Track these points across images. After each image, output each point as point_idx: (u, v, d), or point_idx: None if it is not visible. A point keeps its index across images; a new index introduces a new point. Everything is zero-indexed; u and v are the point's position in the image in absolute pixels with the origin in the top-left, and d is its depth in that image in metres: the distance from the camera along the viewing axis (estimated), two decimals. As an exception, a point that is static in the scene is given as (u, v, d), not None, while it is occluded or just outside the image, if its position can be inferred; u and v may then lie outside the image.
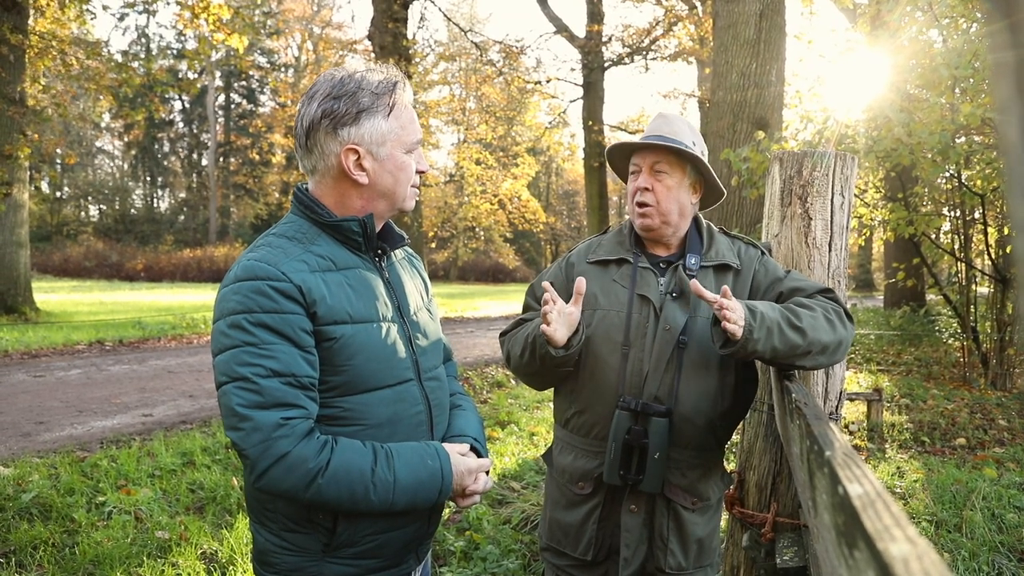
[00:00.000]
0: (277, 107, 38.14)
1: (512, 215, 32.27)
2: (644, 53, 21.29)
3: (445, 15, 21.27)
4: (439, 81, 29.67)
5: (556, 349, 1.69)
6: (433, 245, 39.26)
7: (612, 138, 24.93)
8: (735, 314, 1.54)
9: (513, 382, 8.11)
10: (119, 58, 16.03)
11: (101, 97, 15.08)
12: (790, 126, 7.81)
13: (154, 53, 35.97)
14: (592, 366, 1.80)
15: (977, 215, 8.38)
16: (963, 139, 6.94)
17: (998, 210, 8.17)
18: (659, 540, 1.80)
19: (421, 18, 24.25)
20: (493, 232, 39.70)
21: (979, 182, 7.45)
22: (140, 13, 37.66)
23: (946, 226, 9.12)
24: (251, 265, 1.30)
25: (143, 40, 39.69)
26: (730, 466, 3.67)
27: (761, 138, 6.14)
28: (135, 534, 3.47)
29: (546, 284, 1.70)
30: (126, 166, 43.99)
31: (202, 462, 4.63)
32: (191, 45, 31.55)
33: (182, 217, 43.72)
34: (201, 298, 19.68)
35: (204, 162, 42.85)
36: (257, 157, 41.03)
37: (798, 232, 2.13)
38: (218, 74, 40.05)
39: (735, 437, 3.68)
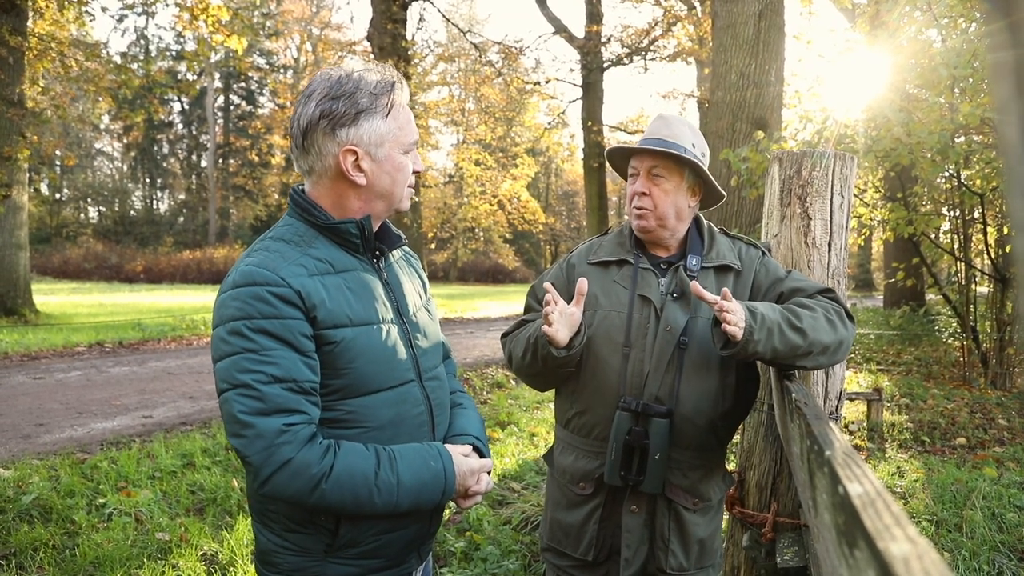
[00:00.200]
0: (276, 108, 38.17)
1: (511, 216, 32.27)
2: (643, 53, 21.30)
3: (444, 16, 21.28)
4: (438, 82, 29.74)
5: (558, 350, 1.69)
6: (433, 246, 39.27)
7: (611, 138, 24.94)
8: (735, 316, 1.54)
9: (513, 383, 8.11)
10: (118, 60, 16.05)
11: (100, 99, 15.09)
12: (789, 126, 7.81)
13: (153, 55, 36.00)
14: (593, 367, 1.80)
15: (976, 214, 8.39)
16: (962, 139, 6.95)
17: (997, 209, 8.18)
18: (660, 541, 1.80)
19: (420, 19, 24.23)
20: (492, 233, 39.70)
21: (978, 182, 7.46)
22: (139, 15, 37.67)
23: (945, 226, 9.12)
24: (249, 271, 1.30)
25: (142, 42, 39.70)
26: (730, 466, 3.67)
27: (760, 138, 6.14)
28: (135, 536, 3.47)
29: (548, 285, 1.70)
30: (125, 168, 44.00)
31: (202, 463, 4.63)
32: (190, 46, 31.55)
33: (181, 219, 43.72)
34: (201, 299, 19.67)
35: (203, 163, 42.86)
36: (256, 158, 41.03)
37: (797, 232, 2.13)
38: (217, 75, 40.06)
39: (735, 437, 3.68)
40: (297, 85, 35.18)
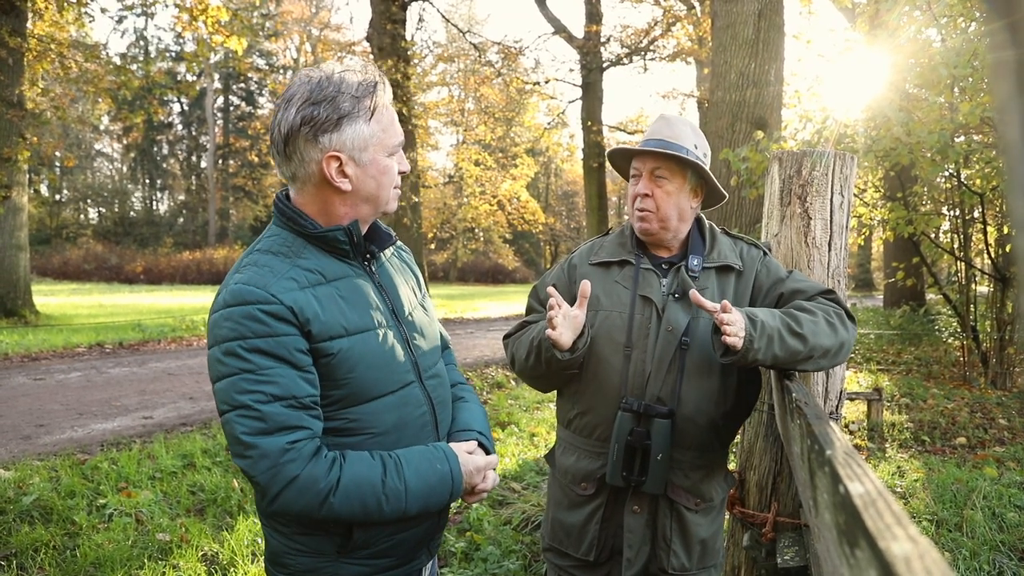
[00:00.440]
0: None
1: (511, 216, 32.25)
2: (643, 53, 21.30)
3: (443, 16, 21.29)
4: (438, 82, 29.74)
5: (562, 353, 1.69)
6: (432, 246, 39.26)
7: (611, 139, 24.94)
8: (734, 327, 1.54)
9: (513, 383, 8.11)
10: (118, 61, 16.05)
11: (100, 100, 15.08)
12: (789, 126, 7.81)
13: (153, 55, 36.00)
14: (595, 367, 1.80)
15: (976, 214, 8.39)
16: (962, 138, 6.95)
17: (997, 209, 8.18)
18: (662, 541, 1.80)
19: (419, 19, 24.28)
20: (492, 233, 39.69)
21: (978, 181, 7.46)
22: (138, 16, 37.68)
23: (945, 225, 9.12)
24: (239, 289, 1.27)
25: (141, 42, 39.69)
26: (730, 466, 3.67)
27: (760, 138, 6.14)
28: (136, 536, 3.47)
29: (551, 289, 1.70)
30: (125, 169, 44.00)
31: (202, 464, 4.63)
32: (190, 47, 31.58)
33: (181, 219, 43.72)
34: (201, 300, 19.67)
35: (203, 164, 42.87)
36: (256, 159, 41.03)
37: (797, 232, 2.13)
38: (217, 76, 40.07)
39: (736, 437, 3.68)
40: (297, 86, 35.11)
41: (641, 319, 1.79)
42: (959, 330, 8.94)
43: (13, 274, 12.12)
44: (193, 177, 43.58)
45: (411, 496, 1.33)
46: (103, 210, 43.65)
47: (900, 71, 6.49)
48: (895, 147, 5.77)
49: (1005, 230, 8.07)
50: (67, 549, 3.35)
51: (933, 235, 9.05)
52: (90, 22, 15.48)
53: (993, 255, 8.13)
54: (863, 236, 10.95)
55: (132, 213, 43.58)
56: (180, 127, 43.06)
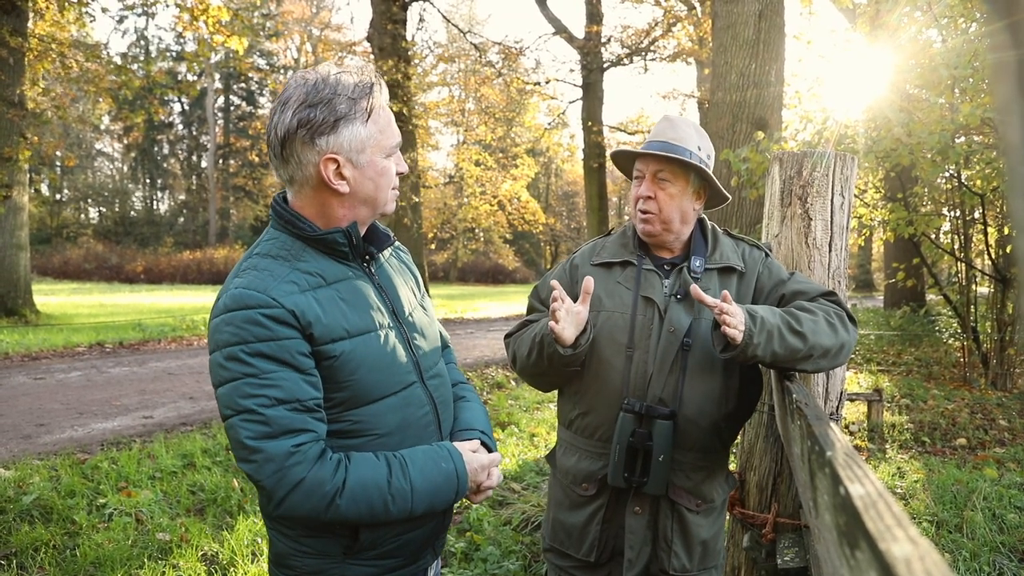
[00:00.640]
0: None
1: (512, 216, 32.25)
2: (643, 54, 21.32)
3: (444, 16, 21.31)
4: (438, 82, 29.75)
5: (564, 348, 1.69)
6: (433, 246, 39.25)
7: (611, 139, 24.94)
8: (735, 319, 1.54)
9: (513, 383, 8.11)
10: (118, 60, 16.06)
11: (100, 99, 15.09)
12: (789, 126, 7.81)
13: (153, 55, 36.01)
14: (596, 368, 1.80)
15: (977, 215, 8.38)
16: (963, 139, 6.94)
17: (998, 210, 8.17)
18: (663, 542, 1.80)
19: (420, 19, 24.26)
20: (493, 233, 39.70)
21: (979, 182, 7.45)
22: (139, 15, 37.70)
23: (946, 226, 9.12)
24: (239, 294, 1.27)
25: (142, 42, 39.72)
26: (731, 467, 3.67)
27: (760, 138, 6.14)
28: (136, 536, 3.47)
29: (554, 283, 1.70)
30: (126, 168, 44.02)
31: (202, 464, 4.63)
32: (190, 47, 31.59)
33: (182, 219, 43.73)
34: (201, 300, 19.67)
35: (203, 164, 42.88)
36: (257, 159, 41.03)
37: (798, 232, 2.13)
38: (217, 76, 40.08)
39: (737, 438, 3.68)
40: (297, 86, 35.13)
41: (643, 320, 1.79)
42: (959, 331, 8.94)
43: (14, 273, 12.13)
44: (193, 177, 43.58)
45: (417, 496, 1.33)
46: (104, 210, 43.67)
47: (901, 72, 6.49)
48: (896, 148, 5.77)
49: (1006, 231, 8.07)
50: (67, 548, 3.35)
51: (933, 236, 9.06)
52: (91, 22, 15.49)
53: (993, 256, 8.13)
54: (863, 237, 10.96)
55: (132, 213, 43.60)
56: (181, 127, 43.08)
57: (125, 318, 13.64)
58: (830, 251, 2.13)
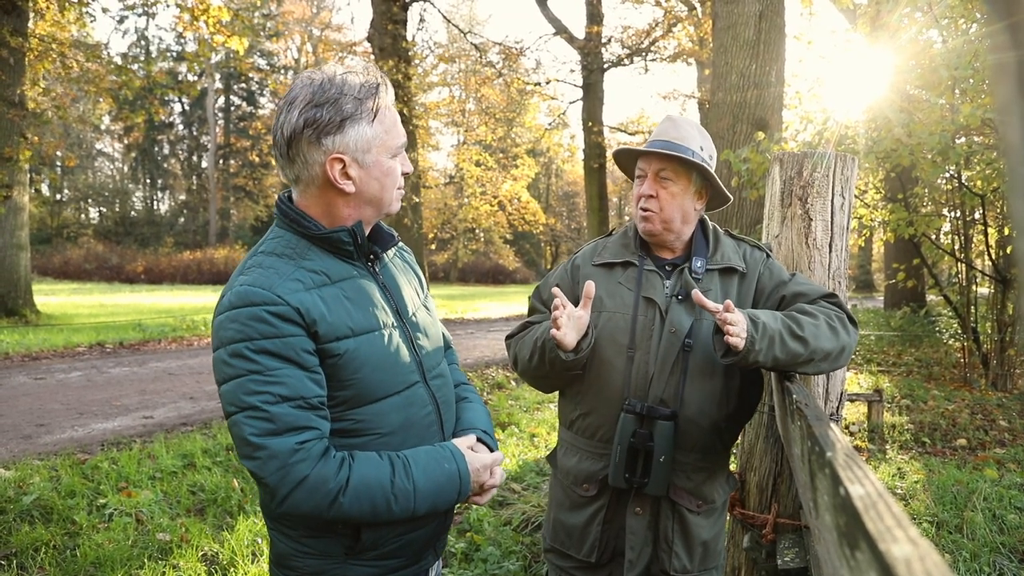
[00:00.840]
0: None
1: (512, 216, 32.26)
2: (644, 54, 21.32)
3: (444, 17, 21.31)
4: (439, 83, 29.77)
5: (566, 353, 1.69)
6: (433, 247, 39.27)
7: (612, 139, 24.93)
8: (737, 327, 1.54)
9: (513, 383, 8.11)
10: (119, 60, 16.07)
11: (101, 100, 15.10)
12: (790, 127, 7.81)
13: (154, 55, 36.02)
14: (597, 368, 1.80)
15: (977, 216, 8.39)
16: (963, 140, 6.94)
17: (998, 211, 8.17)
18: (664, 543, 1.80)
19: (420, 20, 24.24)
20: (493, 233, 39.72)
21: (979, 183, 7.46)
22: (140, 16, 37.70)
23: (946, 227, 9.12)
24: (244, 291, 1.27)
25: (143, 42, 39.71)
26: (731, 467, 3.67)
27: (761, 139, 6.14)
28: (136, 536, 3.47)
29: (556, 290, 1.70)
30: (126, 168, 44.03)
31: (203, 464, 4.63)
32: (191, 47, 31.59)
33: (182, 219, 43.74)
34: (201, 300, 19.68)
35: (204, 164, 42.90)
36: (257, 159, 41.06)
37: (798, 233, 2.13)
38: (218, 76, 40.09)
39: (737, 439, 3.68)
40: (298, 86, 35.14)
41: (644, 320, 1.79)
42: (960, 332, 8.93)
43: (14, 273, 12.14)
44: (194, 177, 43.60)
45: (420, 496, 1.33)
46: (104, 210, 43.68)
47: (901, 72, 6.49)
48: (896, 148, 5.77)
49: (1006, 231, 8.06)
50: (67, 549, 3.35)
51: (934, 236, 9.06)
52: (91, 22, 15.49)
53: (994, 257, 8.13)
54: (864, 237, 10.96)
55: (133, 213, 43.61)
56: (181, 127, 43.09)
57: (125, 318, 13.65)
58: (830, 252, 2.13)
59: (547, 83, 22.57)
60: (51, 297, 17.98)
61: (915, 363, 9.71)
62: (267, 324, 1.25)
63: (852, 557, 0.61)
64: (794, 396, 1.38)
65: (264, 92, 42.09)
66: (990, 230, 8.15)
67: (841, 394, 2.19)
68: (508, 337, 2.00)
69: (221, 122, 42.17)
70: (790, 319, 1.64)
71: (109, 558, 3.21)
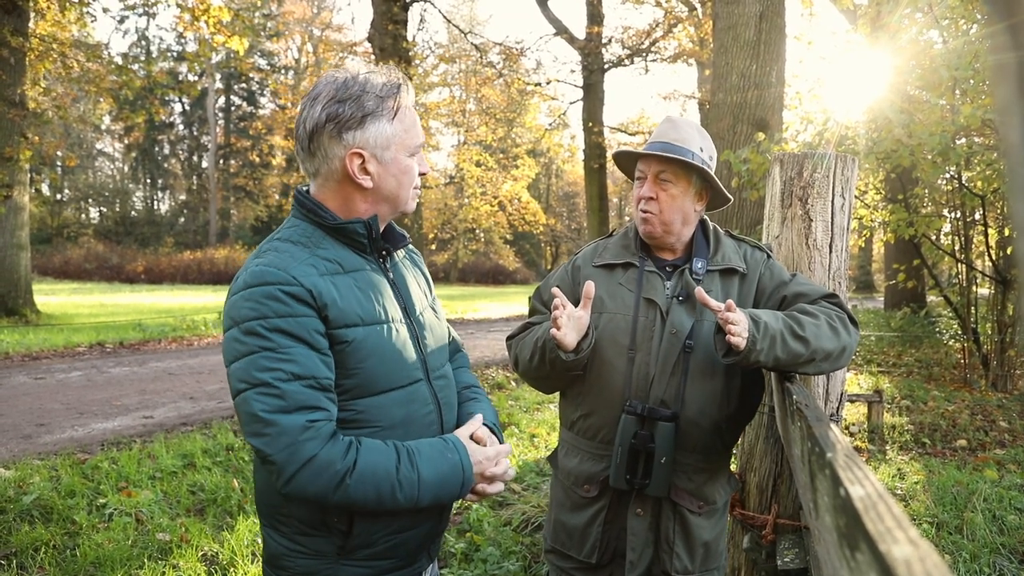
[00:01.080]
0: (277, 109, 38.19)
1: (512, 217, 32.27)
2: (644, 55, 21.31)
3: (445, 17, 21.31)
4: (439, 83, 29.73)
5: (566, 353, 1.69)
6: (433, 247, 39.27)
7: (612, 140, 24.93)
8: (739, 327, 1.54)
9: (513, 383, 8.11)
10: (119, 60, 16.06)
11: (101, 99, 15.11)
12: (790, 127, 7.81)
13: (154, 55, 36.02)
14: (598, 369, 1.80)
15: (978, 216, 8.39)
16: (963, 140, 6.94)
17: (999, 211, 8.18)
18: (665, 544, 1.80)
19: (421, 20, 24.28)
20: (493, 234, 39.72)
21: (980, 183, 7.46)
22: (140, 16, 37.72)
23: (946, 227, 9.12)
24: (260, 271, 1.29)
25: (143, 43, 39.72)
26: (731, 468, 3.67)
27: (761, 139, 6.13)
28: (136, 536, 3.47)
29: (555, 290, 1.70)
30: (126, 168, 44.03)
31: (203, 464, 4.63)
32: (191, 47, 31.61)
33: (182, 219, 43.74)
34: (201, 300, 19.69)
35: (204, 164, 42.90)
36: (257, 159, 41.06)
37: (799, 234, 2.13)
38: (218, 76, 40.10)
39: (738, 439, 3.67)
40: (298, 86, 35.21)
41: (645, 321, 1.79)
42: (960, 332, 8.93)
43: (14, 273, 12.14)
44: (194, 177, 43.60)
45: (424, 485, 1.33)
46: (104, 209, 43.69)
47: (901, 73, 6.49)
48: (896, 149, 5.77)
49: (1006, 232, 8.06)
50: (67, 548, 3.35)
51: (934, 237, 9.05)
52: (92, 22, 15.49)
53: (994, 257, 8.13)
54: (864, 238, 10.96)
55: (133, 213, 43.61)
56: (181, 127, 43.10)
57: (125, 318, 13.65)
58: (831, 252, 2.13)
59: (547, 83, 22.57)
60: (51, 297, 17.98)
61: (915, 364, 9.70)
62: (281, 303, 1.27)
63: (852, 558, 0.61)
64: (794, 397, 1.38)
65: (264, 92, 42.10)
66: (990, 231, 8.15)
67: (841, 395, 2.19)
68: (509, 338, 2.00)
69: (221, 122, 42.18)
70: (791, 319, 1.64)
71: (109, 558, 3.21)
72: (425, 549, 1.51)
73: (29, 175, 13.15)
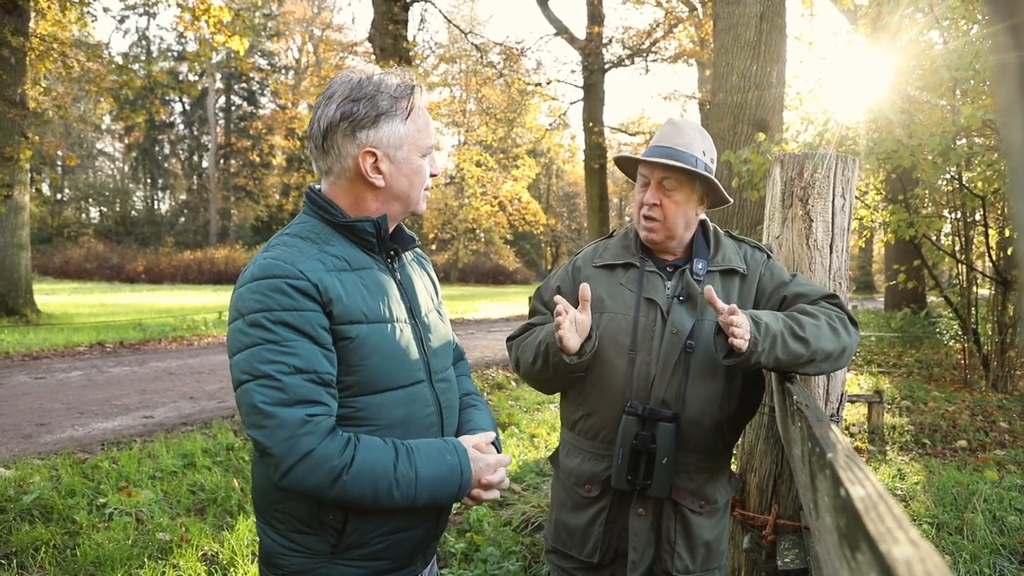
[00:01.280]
0: (277, 109, 38.23)
1: (512, 217, 32.27)
2: (644, 55, 21.31)
3: (445, 17, 21.33)
4: (439, 83, 29.70)
5: (570, 356, 1.69)
6: (434, 247, 39.27)
7: (612, 140, 24.92)
8: (742, 329, 1.54)
9: (514, 384, 8.11)
10: (120, 60, 16.06)
11: (102, 99, 15.12)
12: (791, 128, 7.81)
13: (155, 55, 36.02)
14: (599, 370, 1.80)
15: (978, 217, 8.38)
16: (964, 141, 6.94)
17: (999, 212, 8.17)
18: (666, 543, 1.80)
19: (421, 20, 24.30)
20: (493, 234, 39.71)
21: (980, 184, 7.45)
22: (140, 15, 37.73)
23: (947, 228, 9.11)
24: (268, 264, 1.31)
25: (144, 42, 39.71)
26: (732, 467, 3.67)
27: (762, 140, 6.13)
28: (136, 536, 3.47)
29: (558, 298, 1.70)
30: (127, 168, 44.03)
31: (203, 464, 4.63)
32: (192, 47, 31.60)
33: (182, 219, 43.75)
34: (202, 300, 19.69)
35: (204, 164, 42.91)
36: (257, 159, 41.06)
37: (799, 234, 2.13)
38: (218, 76, 40.10)
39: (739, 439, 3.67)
40: (298, 86, 35.21)
41: (646, 322, 1.79)
42: (960, 333, 8.93)
43: (15, 273, 12.14)
44: (194, 177, 43.60)
45: (421, 485, 1.33)
46: (104, 209, 43.69)
47: (902, 73, 6.49)
48: (897, 149, 5.77)
49: (1007, 233, 8.06)
50: (67, 548, 3.35)
51: (934, 238, 9.05)
52: (92, 21, 15.49)
53: (994, 258, 8.13)
54: (864, 238, 10.97)
55: (133, 212, 43.62)
56: (182, 127, 43.10)
57: (126, 318, 13.65)
58: (831, 253, 2.13)
59: (548, 83, 22.58)
60: (52, 296, 17.98)
61: (915, 364, 9.70)
62: (287, 296, 1.28)
63: (853, 558, 0.61)
64: (795, 397, 1.38)
65: (265, 92, 42.11)
66: (991, 231, 8.15)
67: (841, 395, 2.19)
68: (509, 339, 2.00)
69: (222, 122, 42.19)
70: (791, 320, 1.64)
71: (109, 557, 3.21)
72: (420, 552, 1.51)
73: (29, 175, 13.16)
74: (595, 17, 20.22)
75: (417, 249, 1.64)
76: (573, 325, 1.68)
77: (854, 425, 5.99)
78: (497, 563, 3.28)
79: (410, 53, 17.27)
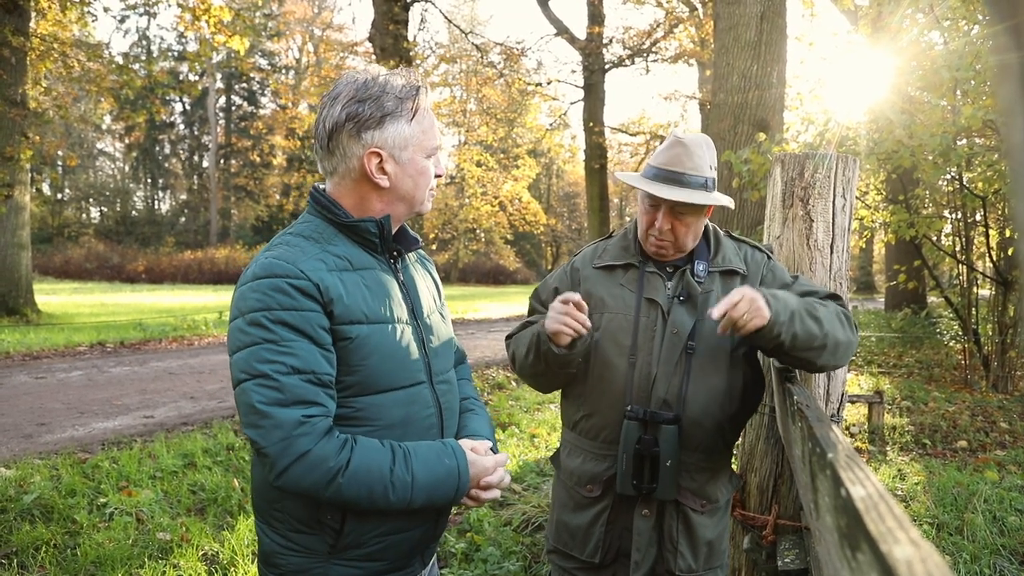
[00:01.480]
0: (278, 109, 38.22)
1: (513, 217, 32.26)
2: (645, 55, 21.30)
3: (446, 17, 21.31)
4: (440, 83, 29.70)
5: (558, 348, 1.69)
6: (434, 247, 39.26)
7: (613, 140, 24.92)
8: (743, 305, 1.54)
9: (514, 383, 8.11)
10: (120, 60, 16.06)
11: (102, 99, 15.11)
12: (791, 128, 7.81)
13: (155, 55, 36.02)
14: (600, 370, 1.80)
15: (978, 217, 8.38)
16: (964, 141, 6.94)
17: (1000, 212, 8.17)
18: (669, 543, 1.80)
19: (422, 20, 24.31)
20: (494, 234, 39.69)
21: (980, 184, 7.45)
22: (141, 15, 37.73)
23: (947, 228, 9.11)
24: (269, 263, 1.31)
25: (144, 42, 39.73)
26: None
27: (762, 140, 6.13)
28: (136, 535, 3.47)
29: (570, 294, 1.69)
30: (127, 168, 44.04)
31: (203, 463, 4.63)
32: (192, 47, 31.61)
33: (183, 219, 43.75)
34: (202, 300, 19.69)
35: (205, 164, 42.91)
36: (258, 159, 41.06)
37: (800, 234, 2.13)
38: (219, 76, 40.11)
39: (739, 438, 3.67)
40: (299, 86, 35.20)
41: (646, 322, 1.79)
42: (960, 333, 8.93)
43: (15, 273, 12.14)
44: (195, 177, 43.61)
45: (417, 487, 1.33)
46: (105, 209, 43.70)
47: (902, 74, 6.49)
48: (897, 150, 5.77)
49: (1007, 233, 8.06)
50: (68, 548, 3.35)
51: (935, 238, 9.04)
52: (93, 21, 15.48)
53: (995, 258, 8.13)
54: (865, 239, 10.96)
55: (134, 212, 43.62)
56: (182, 127, 43.11)
57: (126, 318, 13.66)
58: (831, 253, 2.13)
59: (548, 84, 22.56)
60: (52, 296, 17.99)
61: (916, 365, 9.70)
62: (287, 296, 1.28)
63: (853, 558, 0.61)
64: (795, 397, 1.38)
65: (265, 92, 42.11)
66: (991, 232, 8.15)
67: (842, 395, 2.19)
68: (508, 337, 2.00)
69: (222, 122, 42.19)
70: (805, 302, 1.67)
71: (109, 557, 3.21)
72: (418, 554, 1.51)
73: (30, 175, 13.16)
74: (595, 17, 20.21)
75: (421, 250, 1.64)
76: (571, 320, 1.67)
77: (854, 425, 5.99)
78: (497, 563, 3.28)
79: (410, 53, 17.26)
